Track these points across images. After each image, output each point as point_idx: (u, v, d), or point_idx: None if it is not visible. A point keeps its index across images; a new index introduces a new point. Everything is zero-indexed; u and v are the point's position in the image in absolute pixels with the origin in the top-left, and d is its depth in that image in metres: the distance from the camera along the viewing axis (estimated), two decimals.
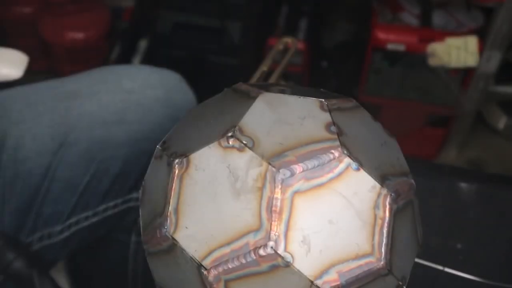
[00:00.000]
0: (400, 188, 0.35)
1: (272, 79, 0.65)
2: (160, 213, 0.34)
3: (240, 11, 1.26)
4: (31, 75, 0.58)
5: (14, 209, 0.56)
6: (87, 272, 0.76)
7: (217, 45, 1.30)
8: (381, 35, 1.25)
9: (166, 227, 0.34)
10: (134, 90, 0.63)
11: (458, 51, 1.22)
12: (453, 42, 1.22)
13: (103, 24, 1.46)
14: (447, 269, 0.61)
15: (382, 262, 0.33)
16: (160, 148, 0.37)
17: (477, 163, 1.43)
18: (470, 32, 1.26)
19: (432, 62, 1.25)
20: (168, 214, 0.34)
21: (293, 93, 0.36)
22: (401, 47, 1.25)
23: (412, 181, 0.38)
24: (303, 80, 1.40)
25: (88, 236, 0.64)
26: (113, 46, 1.45)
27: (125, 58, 1.40)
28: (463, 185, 0.69)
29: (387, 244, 0.33)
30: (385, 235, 0.33)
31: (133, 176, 0.63)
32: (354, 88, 1.36)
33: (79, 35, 1.41)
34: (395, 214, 0.34)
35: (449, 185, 0.70)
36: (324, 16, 1.50)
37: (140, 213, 0.38)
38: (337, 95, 0.39)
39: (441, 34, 1.24)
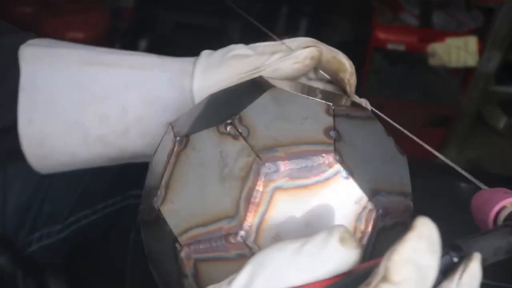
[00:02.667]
0: (392, 206, 0.34)
1: None
2: (155, 185, 0.36)
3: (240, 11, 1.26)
4: None
5: (14, 208, 0.56)
6: (85, 270, 0.76)
7: (217, 45, 1.30)
8: (381, 35, 1.25)
9: (155, 199, 0.34)
10: None
11: (458, 51, 1.21)
12: (453, 42, 1.22)
13: (103, 24, 1.46)
14: None
15: None
16: (171, 125, 0.38)
17: (477, 163, 1.43)
18: (470, 32, 1.26)
19: (432, 62, 1.25)
20: (160, 187, 0.34)
21: (309, 94, 0.36)
22: (401, 47, 1.25)
23: (411, 202, 0.37)
24: None
25: (87, 235, 0.63)
26: (113, 46, 1.44)
27: None
28: (463, 185, 0.69)
29: (363, 259, 0.33)
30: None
31: (132, 174, 0.63)
32: None
33: (79, 35, 1.41)
34: (380, 231, 0.33)
35: (449, 185, 0.70)
36: (324, 16, 1.50)
37: (145, 182, 0.39)
38: (354, 103, 0.38)
39: (441, 34, 1.24)
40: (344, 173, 0.32)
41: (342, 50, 0.46)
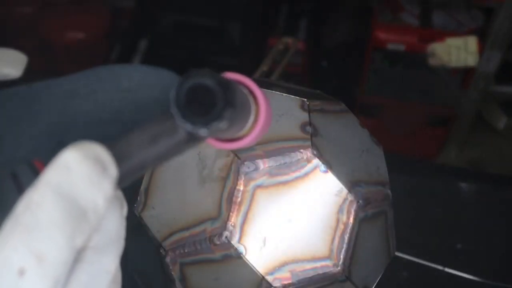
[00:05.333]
0: (372, 197, 0.34)
1: (272, 79, 0.65)
2: (134, 192, 0.36)
3: (240, 11, 1.26)
4: (30, 75, 0.58)
5: None
6: None
7: (217, 45, 1.30)
8: (381, 35, 1.25)
9: (135, 205, 0.34)
10: (131, 89, 0.63)
11: (458, 51, 1.21)
12: (453, 42, 1.22)
13: (103, 24, 1.46)
14: (447, 269, 0.61)
15: (339, 268, 0.33)
16: None
17: (477, 163, 1.43)
18: (470, 32, 1.26)
19: (432, 62, 1.25)
20: (139, 193, 0.34)
21: (282, 90, 0.36)
22: (401, 47, 1.25)
23: (389, 191, 0.37)
24: (303, 80, 1.40)
25: None
26: (113, 46, 1.45)
27: (125, 58, 1.39)
28: (463, 185, 0.69)
29: (347, 250, 0.33)
30: (346, 241, 0.33)
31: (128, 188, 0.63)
32: (354, 88, 1.36)
33: (79, 35, 1.41)
34: (361, 222, 0.33)
35: (449, 185, 0.70)
36: (324, 16, 1.50)
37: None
38: (327, 97, 0.38)
39: (441, 34, 1.24)
40: (322, 167, 0.32)
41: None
